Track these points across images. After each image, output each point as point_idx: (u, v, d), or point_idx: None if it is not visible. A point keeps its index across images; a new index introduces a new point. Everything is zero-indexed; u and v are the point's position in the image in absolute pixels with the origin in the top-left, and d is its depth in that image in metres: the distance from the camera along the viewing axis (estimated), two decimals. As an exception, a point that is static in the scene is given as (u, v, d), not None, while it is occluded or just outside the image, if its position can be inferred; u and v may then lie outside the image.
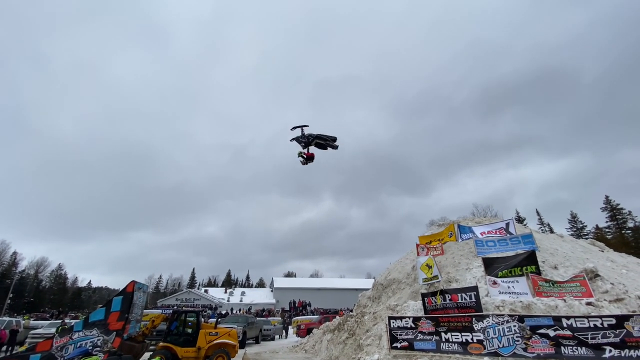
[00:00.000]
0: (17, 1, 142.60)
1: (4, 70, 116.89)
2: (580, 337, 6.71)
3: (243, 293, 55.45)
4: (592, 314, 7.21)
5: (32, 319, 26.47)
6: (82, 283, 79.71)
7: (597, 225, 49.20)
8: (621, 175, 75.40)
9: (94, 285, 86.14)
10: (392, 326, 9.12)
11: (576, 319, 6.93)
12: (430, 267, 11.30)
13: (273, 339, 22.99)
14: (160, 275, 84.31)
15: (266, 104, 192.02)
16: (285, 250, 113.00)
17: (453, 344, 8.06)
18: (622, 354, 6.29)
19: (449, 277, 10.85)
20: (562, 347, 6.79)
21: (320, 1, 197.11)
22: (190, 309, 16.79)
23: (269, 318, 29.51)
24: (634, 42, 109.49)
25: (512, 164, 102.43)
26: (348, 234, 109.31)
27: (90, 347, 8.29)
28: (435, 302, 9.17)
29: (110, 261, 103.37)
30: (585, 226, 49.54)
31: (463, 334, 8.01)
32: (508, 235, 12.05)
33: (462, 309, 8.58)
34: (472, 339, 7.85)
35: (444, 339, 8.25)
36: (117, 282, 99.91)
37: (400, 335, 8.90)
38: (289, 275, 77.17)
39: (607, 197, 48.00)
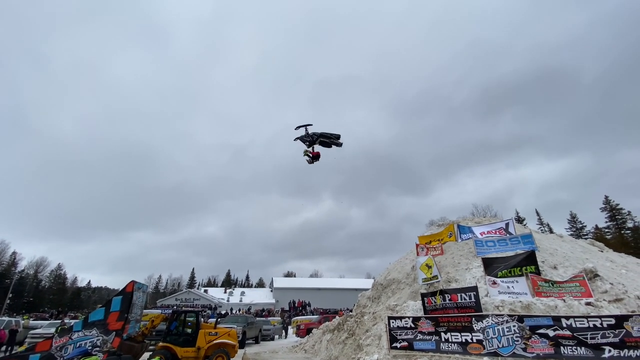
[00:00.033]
0: (17, 1, 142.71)
1: (4, 70, 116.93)
2: (580, 337, 6.72)
3: (243, 293, 55.40)
4: (592, 314, 7.22)
5: (31, 319, 26.48)
6: (81, 283, 79.90)
7: (596, 226, 49.46)
8: (621, 176, 75.74)
9: (94, 285, 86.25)
10: (391, 326, 9.12)
11: (576, 319, 6.94)
12: (429, 267, 11.31)
13: (273, 339, 22.96)
14: (160, 275, 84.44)
15: (266, 104, 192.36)
16: (285, 250, 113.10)
17: (453, 344, 8.06)
18: (622, 354, 6.30)
19: (449, 277, 10.86)
20: (562, 347, 6.80)
21: (320, 1, 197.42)
22: (189, 309, 16.75)
23: (269, 318, 29.49)
24: (634, 42, 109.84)
25: (512, 164, 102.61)
26: (348, 234, 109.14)
27: (90, 347, 8.27)
28: (435, 302, 9.17)
29: (110, 261, 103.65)
30: (585, 226, 49.76)
31: (463, 334, 8.01)
32: (508, 235, 12.07)
33: (461, 309, 8.59)
34: (471, 339, 7.85)
35: (443, 339, 8.25)
36: (116, 282, 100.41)
37: (400, 335, 8.90)
38: (289, 275, 77.15)
39: (606, 197, 48.24)
